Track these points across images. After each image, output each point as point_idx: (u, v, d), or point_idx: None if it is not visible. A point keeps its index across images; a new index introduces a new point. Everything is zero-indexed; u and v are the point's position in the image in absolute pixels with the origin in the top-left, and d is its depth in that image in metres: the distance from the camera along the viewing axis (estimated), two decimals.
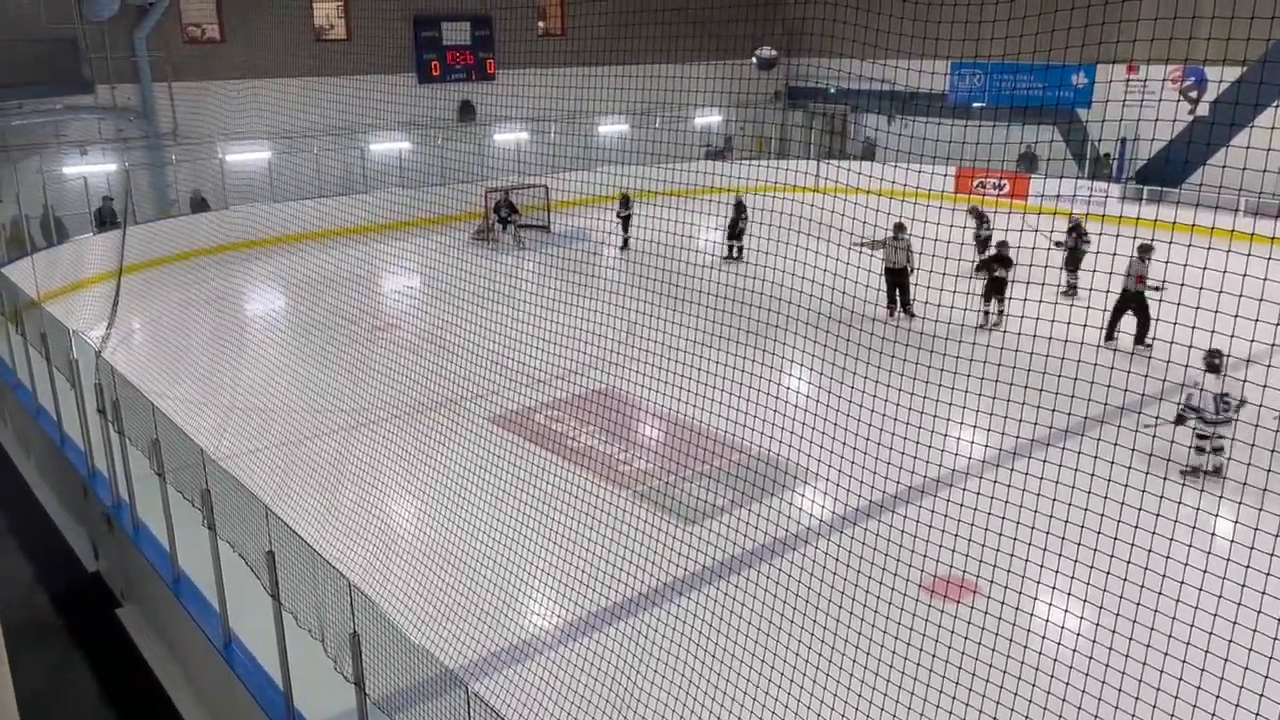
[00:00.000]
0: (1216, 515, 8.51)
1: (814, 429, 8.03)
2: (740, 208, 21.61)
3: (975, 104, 27.22)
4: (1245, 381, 9.41)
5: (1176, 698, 5.57)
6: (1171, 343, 6.18)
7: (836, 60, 9.19)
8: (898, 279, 17.18)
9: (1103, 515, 6.04)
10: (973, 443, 10.76)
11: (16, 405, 13.45)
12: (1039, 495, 6.41)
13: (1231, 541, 6.97)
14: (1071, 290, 17.77)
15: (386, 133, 25.14)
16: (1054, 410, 6.98)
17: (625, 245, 23.00)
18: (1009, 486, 6.64)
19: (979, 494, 6.97)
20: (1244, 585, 5.53)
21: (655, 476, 11.45)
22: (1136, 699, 5.67)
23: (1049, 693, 6.13)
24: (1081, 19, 7.02)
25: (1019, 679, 6.13)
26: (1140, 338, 14.45)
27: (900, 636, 6.94)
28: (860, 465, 7.65)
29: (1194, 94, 25.09)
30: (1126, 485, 5.99)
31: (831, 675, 6.77)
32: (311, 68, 23.31)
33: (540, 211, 25.12)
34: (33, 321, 12.22)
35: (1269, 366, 7.46)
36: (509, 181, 24.60)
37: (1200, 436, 9.91)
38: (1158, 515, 6.01)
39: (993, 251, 16.98)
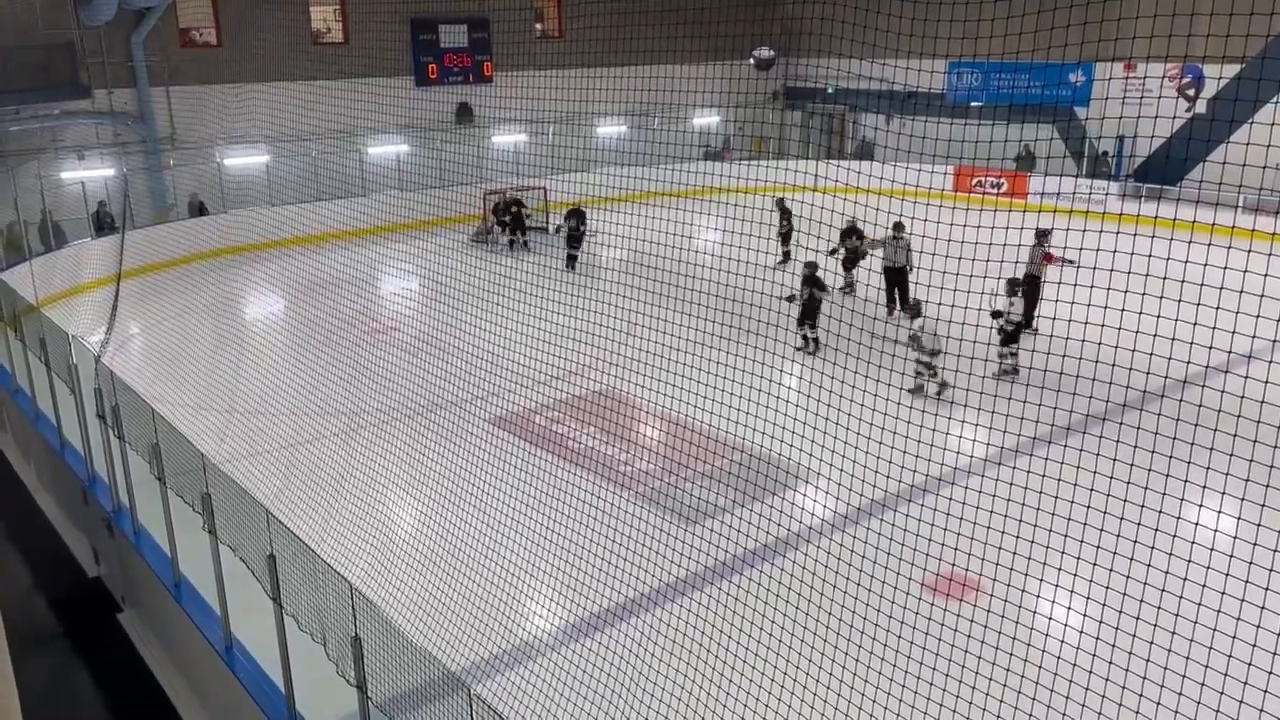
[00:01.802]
0: (1218, 512, 8.51)
1: (815, 427, 8.02)
2: (785, 212, 20.40)
3: (973, 103, 27.22)
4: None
5: (1181, 694, 5.56)
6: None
7: (834, 60, 9.18)
8: (897, 278, 17.19)
9: (1105, 513, 6.03)
10: (974, 440, 10.75)
11: (16, 411, 13.44)
12: (1041, 493, 6.41)
13: (1234, 538, 6.96)
14: (850, 289, 17.87)
15: (384, 135, 25.13)
16: (1055, 408, 6.97)
17: (571, 264, 21.39)
18: (1011, 484, 6.64)
19: (981, 492, 6.97)
20: (1247, 581, 5.52)
21: (656, 477, 11.44)
22: (1140, 695, 5.65)
23: (1052, 690, 6.12)
24: (1079, 17, 7.02)
25: (1022, 677, 6.12)
26: (1029, 320, 14.90)
27: (903, 635, 6.94)
28: (861, 464, 7.65)
29: (1192, 91, 25.10)
30: (1129, 482, 5.98)
31: (834, 674, 6.76)
32: (309, 71, 23.30)
33: (539, 213, 25.12)
34: (32, 327, 12.20)
35: (1270, 363, 7.47)
36: (507, 183, 24.58)
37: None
38: (1160, 512, 6.00)
39: (799, 250, 16.89)
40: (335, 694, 6.34)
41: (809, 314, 15.04)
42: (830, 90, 30.43)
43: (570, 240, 21.69)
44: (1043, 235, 15.26)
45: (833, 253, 17.32)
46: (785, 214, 20.61)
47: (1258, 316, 6.01)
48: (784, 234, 20.48)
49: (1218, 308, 6.10)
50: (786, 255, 20.19)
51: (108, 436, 9.93)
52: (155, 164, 23.53)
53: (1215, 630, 5.61)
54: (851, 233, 17.60)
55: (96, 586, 10.74)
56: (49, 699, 8.87)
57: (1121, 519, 6.05)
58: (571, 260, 21.43)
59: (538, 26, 29.72)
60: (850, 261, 18.08)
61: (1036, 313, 15.04)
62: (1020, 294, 13.81)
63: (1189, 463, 5.90)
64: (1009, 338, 13.60)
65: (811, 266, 14.95)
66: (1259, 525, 6.13)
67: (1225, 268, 6.17)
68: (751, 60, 23.89)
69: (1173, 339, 6.12)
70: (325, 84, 22.26)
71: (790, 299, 14.73)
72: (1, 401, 14.42)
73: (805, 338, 15.14)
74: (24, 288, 14.82)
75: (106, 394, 9.80)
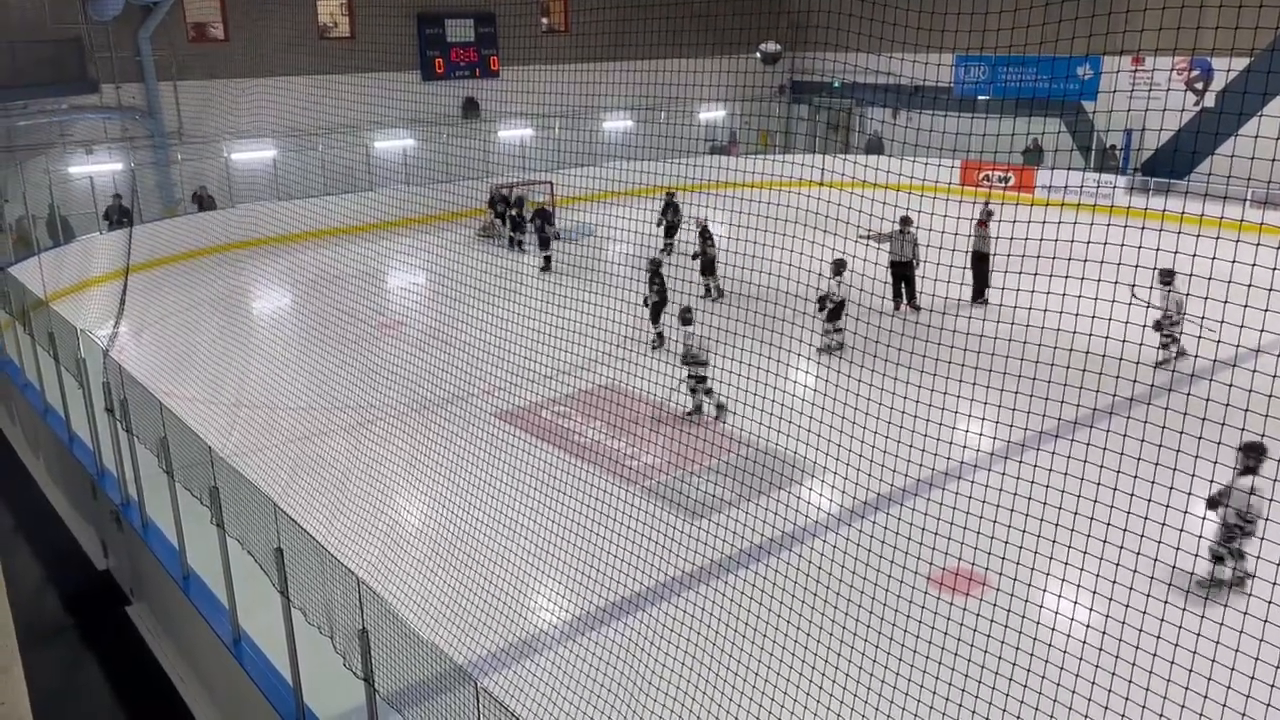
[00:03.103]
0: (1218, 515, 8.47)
1: (821, 422, 8.01)
2: (673, 206, 21.16)
3: (980, 96, 27.14)
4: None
5: (1187, 689, 5.56)
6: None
7: (841, 54, 9.16)
8: (904, 272, 17.16)
9: (1112, 507, 6.02)
10: (980, 435, 10.74)
11: (25, 405, 13.49)
12: (1048, 487, 6.40)
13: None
14: (715, 293, 17.97)
15: (391, 130, 25.14)
16: (1062, 402, 6.96)
17: (547, 266, 21.03)
18: (1018, 479, 6.63)
19: (987, 486, 6.96)
20: (1255, 576, 5.50)
21: (662, 471, 11.44)
22: (1147, 690, 5.65)
23: (1059, 684, 6.11)
24: (1087, 10, 7.00)
25: (1029, 671, 6.12)
26: (979, 293, 16.38)
27: (909, 629, 6.94)
28: (868, 458, 7.64)
29: (1200, 85, 24.99)
30: (1136, 476, 5.97)
31: (840, 668, 6.77)
32: (315, 66, 23.32)
33: (545, 207, 25.11)
34: (40, 321, 12.24)
35: (1279, 357, 7.44)
36: (514, 177, 24.56)
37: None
38: (1167, 506, 5.99)
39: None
40: (342, 687, 6.35)
41: (835, 314, 15.18)
42: (837, 84, 30.36)
43: (541, 243, 21.37)
44: (988, 215, 16.34)
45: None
46: (673, 208, 21.41)
47: (1266, 310, 6.00)
48: (670, 226, 21.40)
49: (1225, 301, 6.08)
50: (669, 248, 21.04)
51: (116, 430, 9.97)
52: (163, 159, 23.58)
53: (1222, 625, 5.60)
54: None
55: (105, 579, 10.79)
56: (58, 691, 8.92)
57: (1129, 513, 6.04)
58: (547, 262, 21.04)
59: (543, 21, 29.69)
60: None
61: (988, 286, 16.43)
62: (843, 274, 15.04)
63: (1196, 457, 5.89)
64: (832, 314, 14.97)
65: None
66: (1267, 520, 6.11)
67: (1234, 261, 6.15)
68: (758, 54, 23.80)
69: (1181, 333, 6.11)
70: (332, 79, 22.29)
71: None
72: (11, 395, 14.48)
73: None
74: (33, 282, 14.86)
75: (115, 388, 9.83)
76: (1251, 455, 8.47)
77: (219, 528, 7.76)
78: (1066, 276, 6.83)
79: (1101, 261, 6.63)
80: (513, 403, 13.31)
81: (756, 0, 24.00)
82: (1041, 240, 6.96)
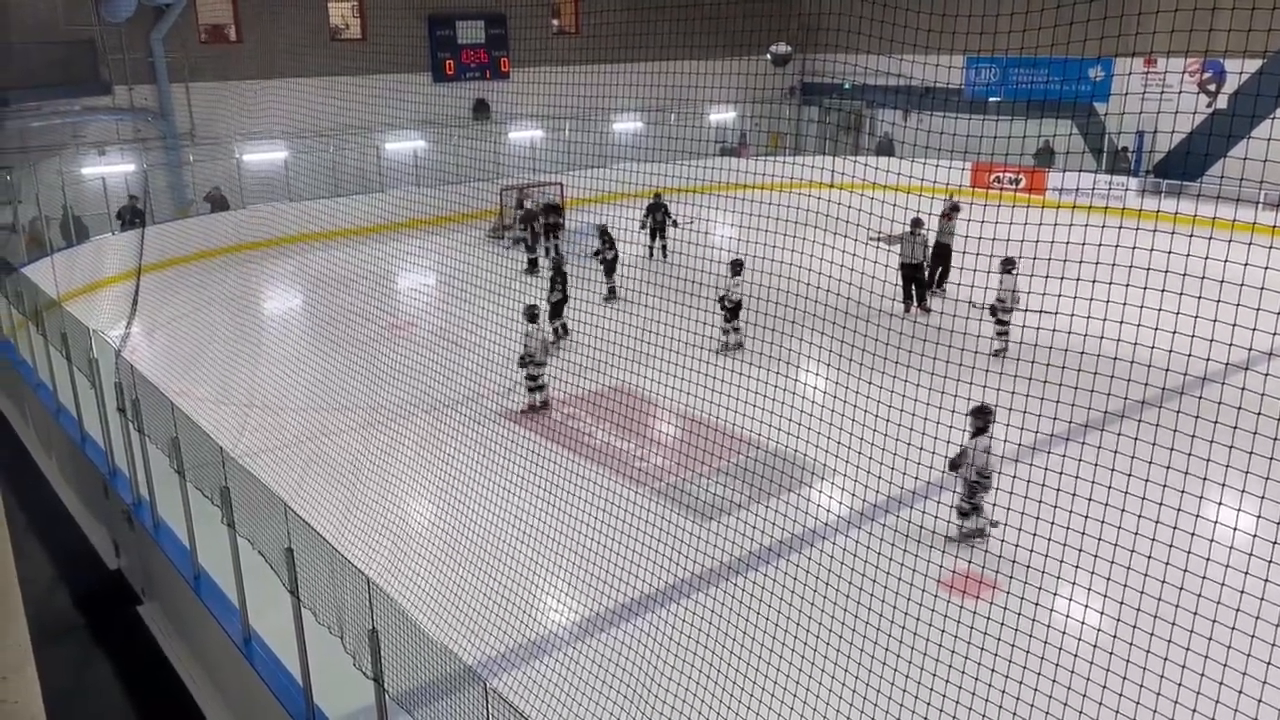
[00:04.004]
0: (1229, 510, 8.42)
1: (831, 424, 8.00)
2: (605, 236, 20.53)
3: (991, 98, 27.07)
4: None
5: (1199, 693, 5.54)
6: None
7: (851, 55, 9.15)
8: (914, 274, 17.12)
9: (1123, 510, 6.00)
10: (990, 438, 10.70)
11: (38, 404, 13.56)
12: (1059, 491, 6.38)
13: (1254, 536, 6.91)
14: (609, 294, 18.07)
15: (402, 131, 25.20)
16: (1074, 405, 6.94)
17: (533, 269, 20.63)
18: (1029, 482, 6.61)
19: (998, 489, 6.94)
20: (1266, 580, 5.48)
21: (672, 473, 11.44)
22: (1159, 694, 5.63)
23: (1069, 688, 6.10)
24: (1099, 12, 6.98)
25: (1039, 675, 6.10)
26: (937, 283, 17.60)
27: (919, 633, 6.92)
28: (878, 460, 7.63)
29: (1213, 87, 24.89)
30: (1148, 480, 5.95)
31: (849, 671, 6.76)
32: (327, 67, 23.40)
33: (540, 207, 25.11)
34: (53, 321, 12.31)
35: None
36: (524, 179, 24.58)
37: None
38: (1179, 510, 5.97)
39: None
40: (352, 687, 6.37)
41: (733, 314, 15.27)
42: (847, 86, 30.33)
43: (528, 246, 21.20)
44: (953, 209, 17.05)
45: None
46: (661, 209, 21.34)
47: (1279, 314, 5.98)
48: (655, 228, 21.36)
49: (1238, 304, 6.05)
50: (652, 250, 21.15)
51: (128, 430, 10.01)
52: (175, 160, 23.68)
53: (1234, 629, 5.58)
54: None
55: (117, 578, 10.83)
56: (70, 689, 8.96)
57: (1140, 517, 6.02)
58: (532, 265, 20.81)
59: (554, 22, 29.73)
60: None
61: (950, 279, 17.41)
62: (741, 274, 15.05)
63: (1209, 460, 5.86)
64: (731, 314, 15.06)
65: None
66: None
67: (1246, 264, 6.13)
68: (768, 56, 23.79)
69: (1192, 336, 6.09)
70: (343, 80, 22.36)
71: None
72: (23, 395, 14.56)
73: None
74: (46, 282, 14.94)
75: (127, 388, 9.88)
76: (980, 417, 9.36)
77: (230, 528, 7.79)
78: (1078, 279, 6.81)
79: (1113, 264, 6.61)
80: (522, 403, 13.33)
81: (767, 2, 23.99)
82: (1041, 242, 6.94)
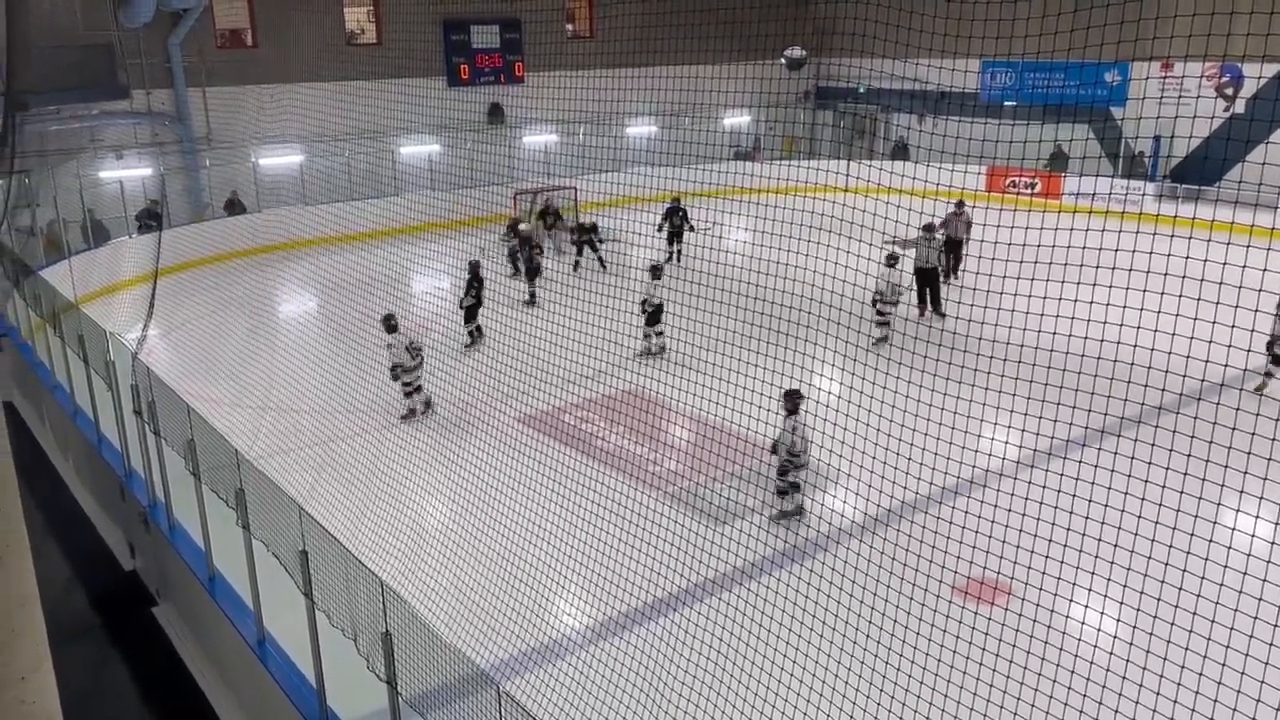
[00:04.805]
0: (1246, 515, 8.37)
1: (845, 429, 7.98)
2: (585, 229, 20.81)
3: (1007, 103, 26.97)
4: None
5: (1216, 701, 5.49)
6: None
7: (866, 60, 9.15)
8: (929, 279, 17.07)
9: (1139, 516, 5.96)
10: (1006, 443, 10.65)
11: (55, 406, 13.65)
12: (1074, 496, 6.34)
13: (1272, 544, 6.86)
14: (532, 299, 18.34)
15: (416, 135, 25.28)
16: (1090, 410, 6.90)
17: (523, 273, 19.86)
18: (1044, 487, 6.57)
19: (1013, 495, 6.90)
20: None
21: (685, 477, 11.43)
22: (1175, 702, 5.58)
23: (1085, 695, 6.06)
24: (1115, 16, 6.94)
25: (1054, 681, 6.07)
26: (949, 273, 17.99)
27: (933, 638, 6.89)
28: (892, 465, 7.60)
29: (1230, 91, 24.74)
30: (1164, 486, 5.91)
31: (863, 676, 6.73)
32: (343, 72, 23.50)
33: (569, 214, 25.14)
34: (71, 324, 12.39)
35: None
36: (538, 183, 24.61)
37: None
38: (1196, 516, 5.92)
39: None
40: (366, 689, 6.39)
41: (654, 318, 15.44)
42: (862, 90, 30.27)
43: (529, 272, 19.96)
44: (960, 205, 17.68)
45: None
46: (679, 214, 21.42)
47: None
48: (673, 233, 21.32)
49: (1256, 310, 6.02)
50: (673, 255, 21.15)
51: (144, 432, 10.07)
52: (192, 164, 23.81)
53: (1252, 637, 5.53)
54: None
55: (132, 580, 10.89)
56: (85, 690, 9.01)
57: (1156, 523, 5.98)
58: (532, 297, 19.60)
59: (569, 27, 29.78)
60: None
61: (962, 268, 17.86)
62: (661, 278, 15.57)
63: (1225, 466, 5.82)
64: (651, 318, 15.34)
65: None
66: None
67: (1265, 270, 6.08)
68: (783, 60, 23.78)
69: (1209, 341, 6.05)
70: (359, 84, 22.46)
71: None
72: (41, 397, 14.65)
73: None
74: (63, 285, 15.04)
75: (143, 390, 9.93)
76: (790, 400, 10.06)
77: (245, 530, 7.82)
78: (1095, 284, 6.78)
79: (1130, 269, 6.57)
80: (536, 407, 13.33)
81: (782, 6, 24.01)
82: (1057, 246, 6.90)
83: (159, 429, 9.65)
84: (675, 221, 21.56)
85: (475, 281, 16.27)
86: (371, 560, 7.12)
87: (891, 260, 15.43)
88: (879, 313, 15.55)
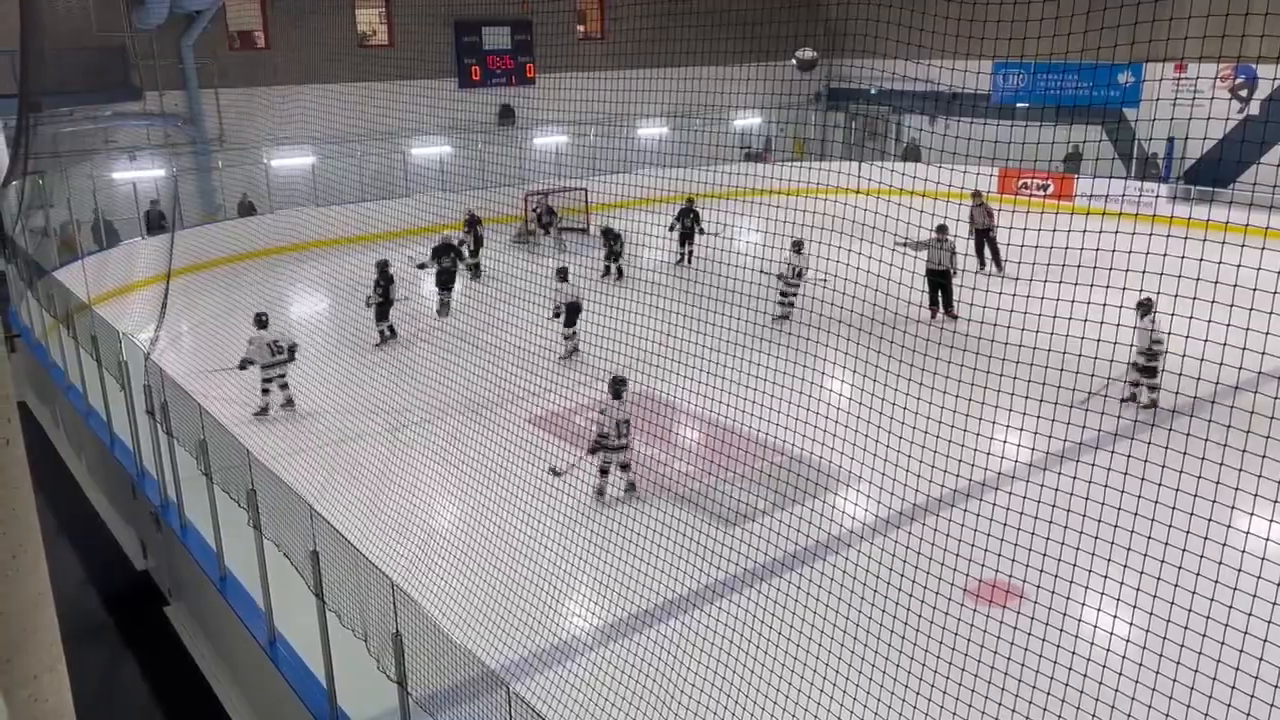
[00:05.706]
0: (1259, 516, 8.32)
1: (856, 431, 7.96)
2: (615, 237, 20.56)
3: (1019, 104, 26.88)
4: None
5: (1230, 705, 5.46)
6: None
7: (878, 61, 9.13)
8: (941, 281, 17.02)
9: (1153, 520, 5.93)
10: (1019, 445, 10.62)
11: (68, 406, 13.72)
12: (1087, 499, 6.31)
13: None
14: (444, 308, 18.10)
15: (427, 137, 25.34)
16: (1102, 413, 6.87)
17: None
18: (1056, 490, 6.55)
19: (1025, 498, 6.88)
20: None
21: (695, 479, 11.42)
22: (1189, 707, 5.55)
23: (1097, 699, 6.03)
24: (1128, 17, 6.90)
25: (1066, 685, 6.04)
26: (987, 263, 18.83)
27: (944, 641, 6.86)
28: (903, 468, 7.58)
29: (1244, 92, 24.61)
30: (1178, 490, 5.88)
31: (874, 679, 6.72)
32: (354, 74, 23.57)
33: (579, 214, 25.16)
34: (84, 324, 12.45)
35: None
36: (549, 184, 24.63)
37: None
38: (1210, 520, 5.89)
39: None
40: (376, 689, 6.40)
41: (570, 319, 15.63)
42: (874, 91, 30.21)
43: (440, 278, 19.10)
44: (976, 195, 18.54)
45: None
46: (692, 215, 21.62)
47: None
48: (685, 233, 21.53)
49: (1271, 313, 5.98)
50: (684, 256, 21.40)
51: (156, 432, 10.11)
52: (204, 165, 23.92)
53: (1266, 641, 5.50)
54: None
55: (144, 579, 10.93)
56: (97, 689, 9.04)
57: (1170, 526, 5.95)
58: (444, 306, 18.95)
59: (580, 28, 29.80)
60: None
61: (1004, 258, 18.18)
62: (568, 280, 15.75)
63: (1240, 470, 5.79)
64: (568, 320, 15.56)
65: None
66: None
67: (1279, 272, 6.04)
68: (794, 61, 23.72)
69: (1224, 344, 6.01)
70: (370, 86, 22.52)
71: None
72: (54, 397, 14.73)
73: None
74: (76, 285, 15.12)
75: (155, 391, 9.97)
76: (613, 386, 10.75)
77: (256, 530, 7.84)
78: (1107, 287, 6.75)
79: (1144, 272, 6.54)
80: (546, 408, 13.34)
81: (793, 8, 23.95)
82: (1071, 249, 6.88)
83: (171, 429, 9.69)
84: (687, 223, 21.55)
85: (383, 280, 16.54)
86: (382, 560, 7.13)
87: (798, 246, 16.37)
88: (781, 293, 16.56)
